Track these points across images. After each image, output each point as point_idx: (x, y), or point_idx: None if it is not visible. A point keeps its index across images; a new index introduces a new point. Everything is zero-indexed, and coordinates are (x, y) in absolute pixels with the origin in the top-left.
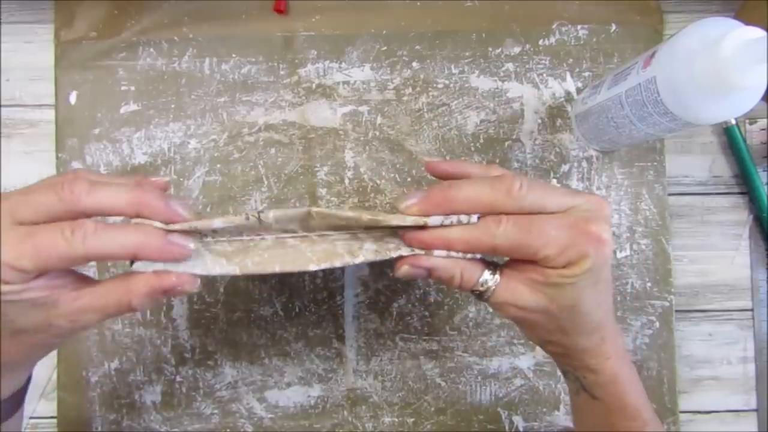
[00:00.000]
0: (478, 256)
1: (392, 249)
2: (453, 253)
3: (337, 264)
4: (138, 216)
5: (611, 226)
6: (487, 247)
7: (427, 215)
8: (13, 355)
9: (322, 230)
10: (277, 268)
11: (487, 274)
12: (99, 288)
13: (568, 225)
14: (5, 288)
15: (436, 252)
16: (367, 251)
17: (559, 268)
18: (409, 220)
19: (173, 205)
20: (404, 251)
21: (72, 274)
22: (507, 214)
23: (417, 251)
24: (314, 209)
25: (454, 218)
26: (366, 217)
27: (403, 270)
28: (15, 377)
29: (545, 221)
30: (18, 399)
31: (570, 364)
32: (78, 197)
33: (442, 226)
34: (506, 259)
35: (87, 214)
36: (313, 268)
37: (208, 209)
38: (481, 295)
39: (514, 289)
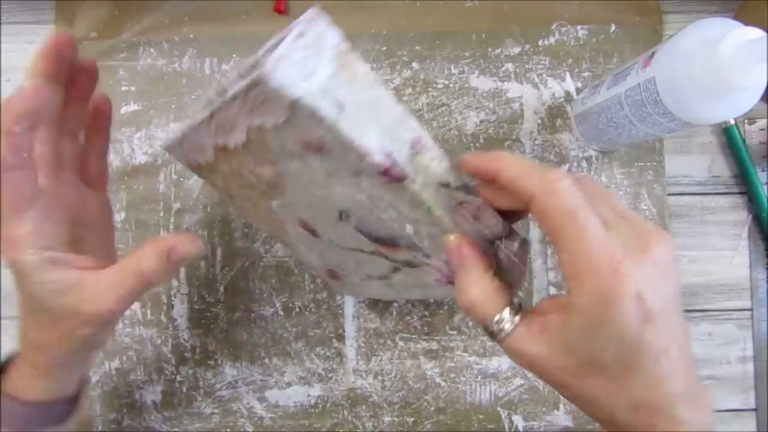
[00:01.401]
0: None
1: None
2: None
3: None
4: None
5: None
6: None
7: (474, 172)
8: (53, 346)
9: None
10: None
11: (506, 313)
12: (117, 264)
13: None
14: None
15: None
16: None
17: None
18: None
19: None
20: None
21: (95, 262)
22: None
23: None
24: None
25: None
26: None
27: (452, 241)
28: (62, 378)
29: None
30: (67, 407)
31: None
32: None
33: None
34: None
35: None
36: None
37: (208, 209)
38: (492, 335)
39: (533, 339)
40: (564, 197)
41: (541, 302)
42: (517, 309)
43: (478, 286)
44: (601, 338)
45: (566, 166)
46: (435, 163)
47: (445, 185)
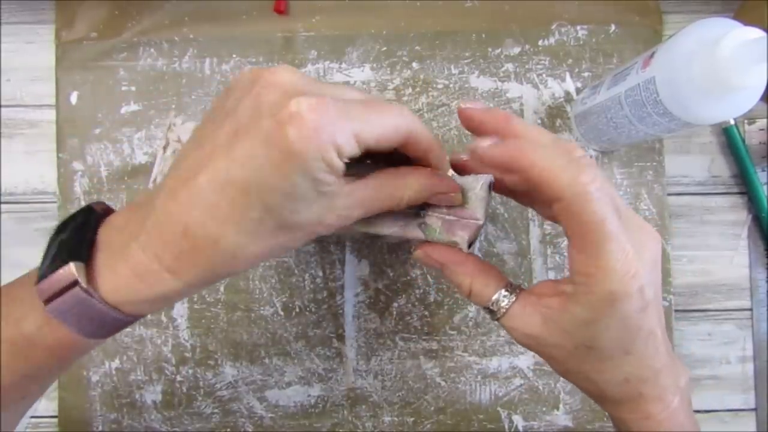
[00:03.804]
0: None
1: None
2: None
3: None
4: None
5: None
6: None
7: (497, 164)
8: (262, 252)
9: None
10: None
11: (502, 293)
12: (371, 182)
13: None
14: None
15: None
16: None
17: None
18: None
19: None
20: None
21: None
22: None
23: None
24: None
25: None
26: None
27: (417, 254)
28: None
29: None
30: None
31: (605, 410)
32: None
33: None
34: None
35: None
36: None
37: None
38: (492, 314)
39: (528, 317)
40: (597, 204)
41: (537, 284)
42: (514, 288)
43: (466, 276)
44: (602, 328)
45: None
46: None
47: None
